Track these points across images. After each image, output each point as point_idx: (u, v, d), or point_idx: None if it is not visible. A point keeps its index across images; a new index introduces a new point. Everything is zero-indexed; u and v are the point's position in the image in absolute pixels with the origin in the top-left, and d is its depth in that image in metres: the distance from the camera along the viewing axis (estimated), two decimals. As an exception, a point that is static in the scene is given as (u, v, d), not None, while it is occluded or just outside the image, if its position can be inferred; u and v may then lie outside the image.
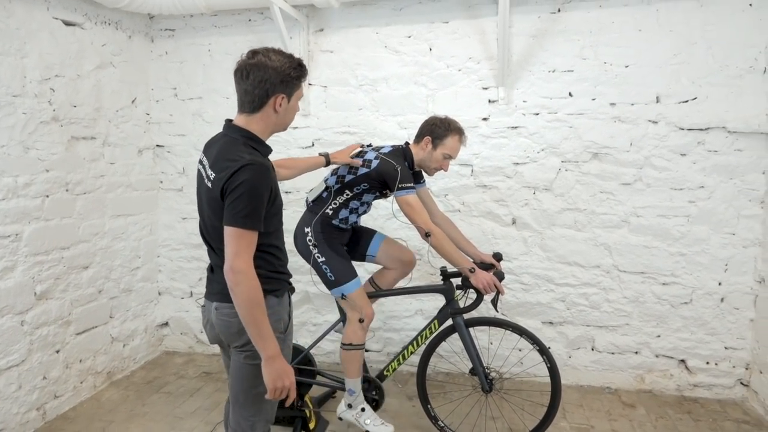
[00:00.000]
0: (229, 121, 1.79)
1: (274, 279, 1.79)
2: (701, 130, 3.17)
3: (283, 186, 3.71)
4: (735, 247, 3.20)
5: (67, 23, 3.15)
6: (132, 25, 3.67)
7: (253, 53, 1.69)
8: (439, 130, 2.67)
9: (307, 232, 2.67)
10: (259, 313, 1.62)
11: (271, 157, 1.82)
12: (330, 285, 2.65)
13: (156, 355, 4.02)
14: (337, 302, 2.85)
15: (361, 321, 2.63)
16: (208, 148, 1.81)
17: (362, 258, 2.88)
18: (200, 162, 1.80)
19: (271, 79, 1.67)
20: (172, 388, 3.46)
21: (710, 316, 3.27)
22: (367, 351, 3.00)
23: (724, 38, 3.09)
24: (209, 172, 1.71)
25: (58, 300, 3.10)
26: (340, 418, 2.79)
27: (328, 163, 2.61)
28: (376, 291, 2.90)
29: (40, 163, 2.97)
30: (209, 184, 1.70)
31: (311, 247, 2.64)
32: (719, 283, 3.24)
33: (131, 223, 3.71)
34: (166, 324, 4.09)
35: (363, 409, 2.74)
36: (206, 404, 3.24)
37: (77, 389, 3.25)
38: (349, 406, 2.74)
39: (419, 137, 2.72)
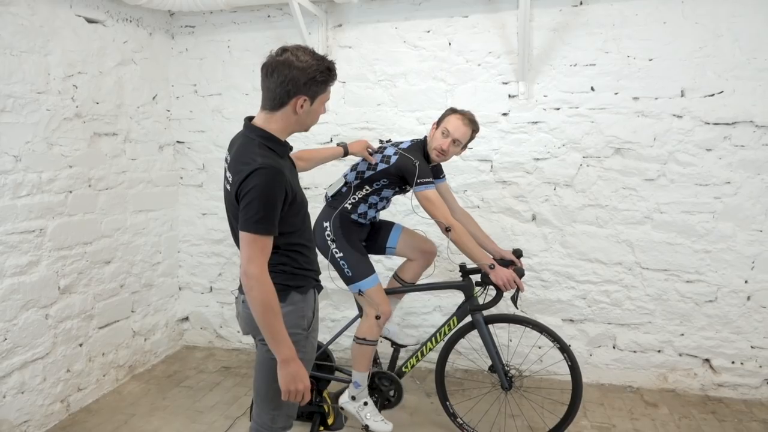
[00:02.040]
0: (249, 119, 1.77)
1: (298, 275, 1.79)
2: (728, 124, 3.10)
3: (302, 182, 3.71)
4: (762, 244, 3.12)
5: (90, 21, 3.18)
6: (153, 22, 3.70)
7: (283, 50, 1.66)
8: (443, 115, 2.67)
9: (326, 227, 2.67)
10: (272, 317, 1.61)
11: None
12: (347, 281, 2.65)
13: (176, 349, 4.07)
14: (355, 298, 2.85)
15: (377, 318, 2.62)
16: (231, 147, 1.80)
17: (382, 251, 2.87)
18: (225, 160, 1.81)
19: (294, 79, 1.63)
20: (192, 382, 3.50)
21: (736, 315, 3.20)
22: (396, 345, 2.99)
23: (751, 30, 3.01)
24: (228, 173, 1.72)
25: (81, 294, 3.14)
26: (342, 408, 2.78)
27: (346, 153, 2.61)
28: (402, 286, 2.89)
29: (64, 159, 3.01)
30: (228, 186, 1.71)
31: (329, 242, 2.64)
32: (745, 281, 3.17)
33: (152, 219, 3.75)
34: (187, 319, 4.14)
35: (365, 403, 2.72)
36: (226, 398, 3.27)
37: (100, 382, 3.30)
38: (353, 398, 2.72)
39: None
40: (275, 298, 1.62)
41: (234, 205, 1.66)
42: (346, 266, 2.63)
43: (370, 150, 2.65)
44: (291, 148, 1.79)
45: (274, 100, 1.68)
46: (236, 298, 1.91)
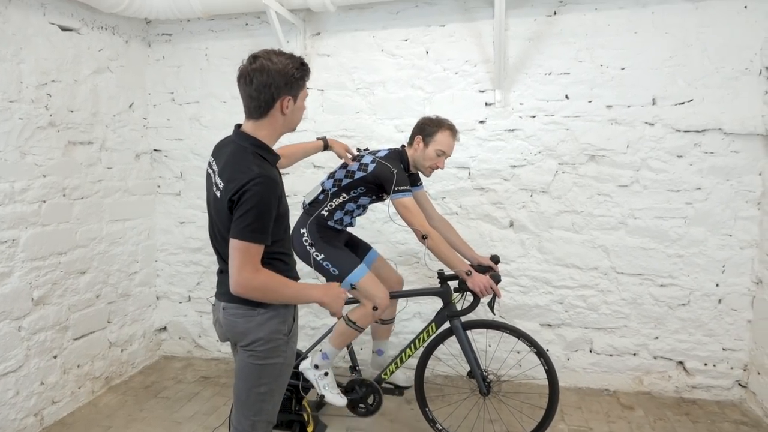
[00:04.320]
0: (238, 126, 1.79)
1: None
2: (697, 131, 3.18)
3: (280, 190, 3.71)
4: (732, 249, 3.20)
5: (64, 28, 3.15)
6: (129, 29, 3.67)
7: (254, 58, 1.69)
8: (428, 127, 2.68)
9: (303, 233, 2.67)
10: (292, 294, 1.75)
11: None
12: (337, 280, 2.63)
13: (154, 359, 4.02)
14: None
15: (375, 309, 2.60)
16: (218, 153, 1.81)
17: None
18: (210, 166, 1.81)
19: (275, 82, 1.67)
20: (170, 393, 3.46)
21: (708, 318, 3.27)
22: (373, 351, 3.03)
23: (719, 40, 3.10)
24: (218, 179, 1.72)
25: (55, 305, 3.09)
26: (301, 372, 2.78)
27: (326, 147, 2.63)
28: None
29: (37, 168, 2.97)
30: (217, 193, 1.71)
31: (308, 247, 2.65)
32: (717, 285, 3.24)
33: (129, 228, 3.71)
34: (165, 329, 4.09)
35: (326, 374, 2.74)
36: (204, 409, 3.24)
37: (75, 394, 3.24)
38: (316, 366, 2.73)
39: (411, 138, 2.74)
40: (277, 280, 1.70)
41: (225, 212, 1.68)
42: (330, 266, 2.62)
43: (350, 153, 2.68)
44: (279, 158, 1.83)
45: (259, 108, 1.71)
46: (213, 305, 1.92)
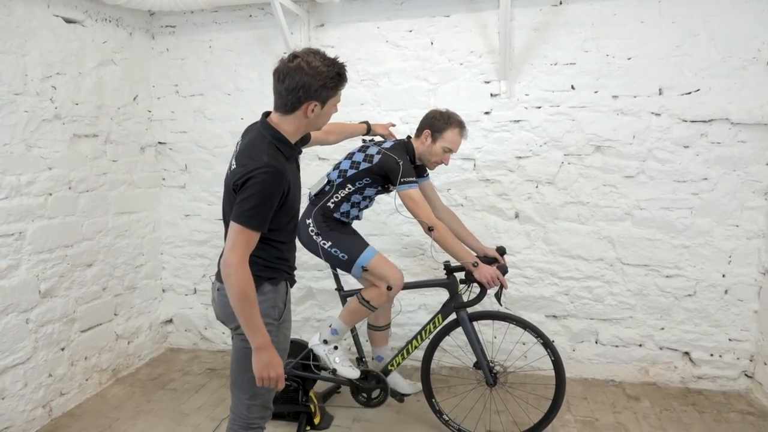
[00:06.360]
0: (266, 114, 1.83)
1: (271, 267, 1.84)
2: (704, 122, 3.16)
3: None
4: (738, 239, 3.19)
5: (68, 21, 3.14)
6: (132, 22, 3.66)
7: (294, 57, 1.71)
8: (438, 123, 2.67)
9: (309, 224, 2.67)
10: (248, 306, 1.67)
11: None
12: (347, 265, 2.64)
13: (160, 352, 4.03)
14: (340, 298, 2.86)
15: (389, 288, 2.60)
16: (244, 136, 1.87)
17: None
18: (237, 145, 1.87)
19: (305, 86, 1.69)
20: (177, 385, 3.48)
21: (714, 308, 3.26)
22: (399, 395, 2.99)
23: (726, 29, 3.07)
24: (233, 160, 1.78)
25: (62, 298, 3.10)
26: (311, 349, 2.79)
27: (368, 131, 2.72)
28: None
29: (43, 161, 2.97)
30: (229, 172, 1.78)
31: (314, 237, 2.65)
32: (723, 275, 3.23)
33: (134, 221, 3.71)
34: (171, 321, 4.10)
35: (336, 347, 2.74)
36: (211, 400, 3.25)
37: (83, 386, 3.26)
38: (325, 341, 2.74)
39: (419, 131, 2.73)
40: (252, 288, 1.67)
41: (230, 192, 1.73)
42: (339, 252, 2.62)
43: (392, 133, 2.84)
44: (300, 152, 1.87)
45: (286, 105, 1.74)
46: (213, 283, 1.96)
